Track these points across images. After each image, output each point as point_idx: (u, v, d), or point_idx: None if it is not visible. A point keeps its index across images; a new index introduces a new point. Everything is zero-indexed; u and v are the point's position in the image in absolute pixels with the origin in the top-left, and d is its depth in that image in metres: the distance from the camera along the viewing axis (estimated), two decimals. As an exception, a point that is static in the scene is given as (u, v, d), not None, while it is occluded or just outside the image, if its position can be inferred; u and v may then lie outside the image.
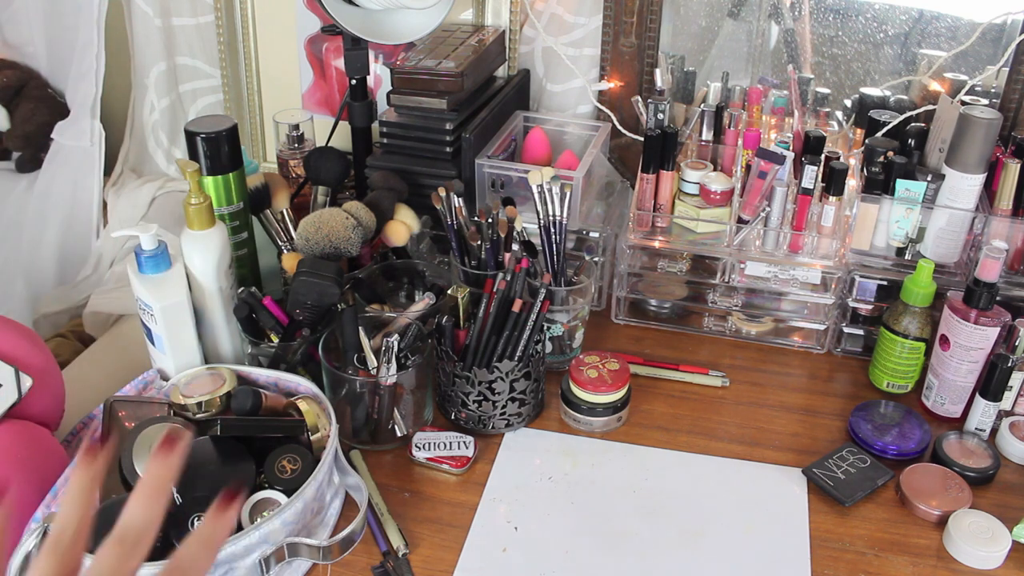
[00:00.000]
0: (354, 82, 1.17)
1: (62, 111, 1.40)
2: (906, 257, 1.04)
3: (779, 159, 1.01)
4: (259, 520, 0.75)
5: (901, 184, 1.01)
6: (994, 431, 0.95)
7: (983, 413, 0.93)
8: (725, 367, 1.06)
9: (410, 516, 0.85)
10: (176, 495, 0.76)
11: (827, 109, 1.22)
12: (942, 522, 0.84)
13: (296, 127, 1.27)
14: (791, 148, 1.08)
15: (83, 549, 0.42)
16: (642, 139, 1.08)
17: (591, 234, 1.11)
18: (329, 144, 1.21)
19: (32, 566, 0.41)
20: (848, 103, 1.21)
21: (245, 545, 0.72)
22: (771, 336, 1.11)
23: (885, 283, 1.03)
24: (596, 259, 1.11)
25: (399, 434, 0.93)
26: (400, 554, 0.80)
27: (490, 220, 0.99)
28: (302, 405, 0.84)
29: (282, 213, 1.06)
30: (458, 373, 0.91)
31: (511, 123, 1.22)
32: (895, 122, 1.11)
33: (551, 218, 1.00)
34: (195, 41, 1.38)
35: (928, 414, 0.99)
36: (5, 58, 1.48)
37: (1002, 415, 0.95)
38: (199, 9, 1.35)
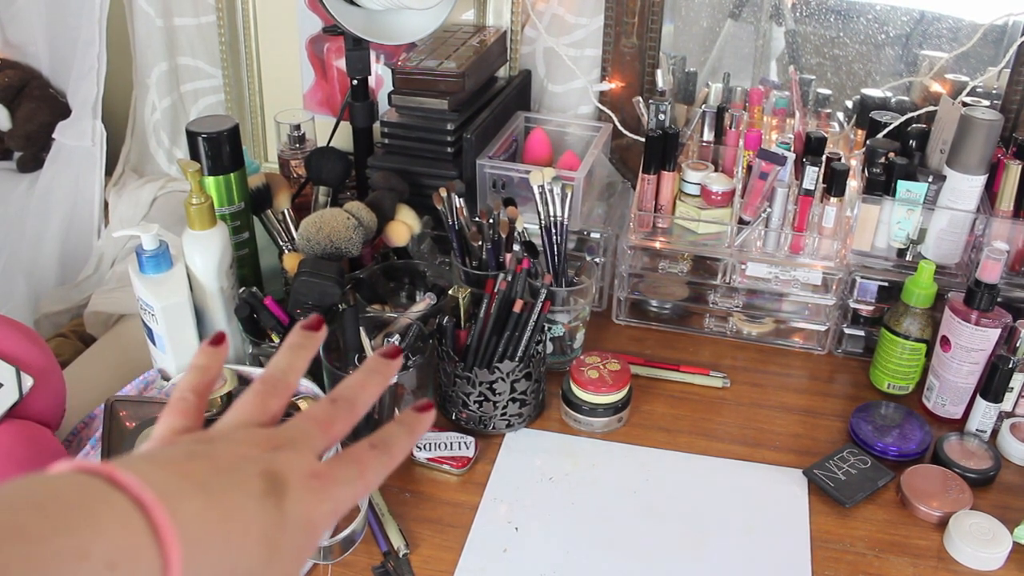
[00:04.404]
0: (355, 82, 1.17)
1: (63, 111, 1.40)
2: (907, 258, 1.04)
3: (780, 160, 1.01)
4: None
5: (902, 185, 1.01)
6: (995, 432, 0.95)
7: (984, 414, 0.93)
8: (726, 368, 1.06)
9: (411, 516, 0.85)
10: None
11: (828, 110, 1.22)
12: (943, 523, 0.84)
13: (297, 127, 1.27)
14: (792, 149, 1.08)
15: (290, 395, 0.46)
16: (643, 140, 1.08)
17: (592, 235, 1.11)
18: (330, 144, 1.21)
19: (242, 398, 0.44)
20: (849, 104, 1.21)
21: (246, 545, 0.72)
22: (772, 337, 1.11)
23: (886, 284, 1.03)
24: (597, 260, 1.11)
25: (400, 434, 0.92)
26: (401, 554, 0.80)
27: (491, 220, 0.99)
28: (303, 405, 0.85)
29: (283, 213, 1.06)
30: (459, 373, 0.92)
31: (512, 123, 1.22)
32: (896, 123, 1.11)
33: (552, 219, 1.00)
34: (196, 41, 1.38)
35: (929, 415, 0.99)
36: (7, 58, 1.48)
37: (1003, 416, 0.95)
38: (200, 9, 1.35)
